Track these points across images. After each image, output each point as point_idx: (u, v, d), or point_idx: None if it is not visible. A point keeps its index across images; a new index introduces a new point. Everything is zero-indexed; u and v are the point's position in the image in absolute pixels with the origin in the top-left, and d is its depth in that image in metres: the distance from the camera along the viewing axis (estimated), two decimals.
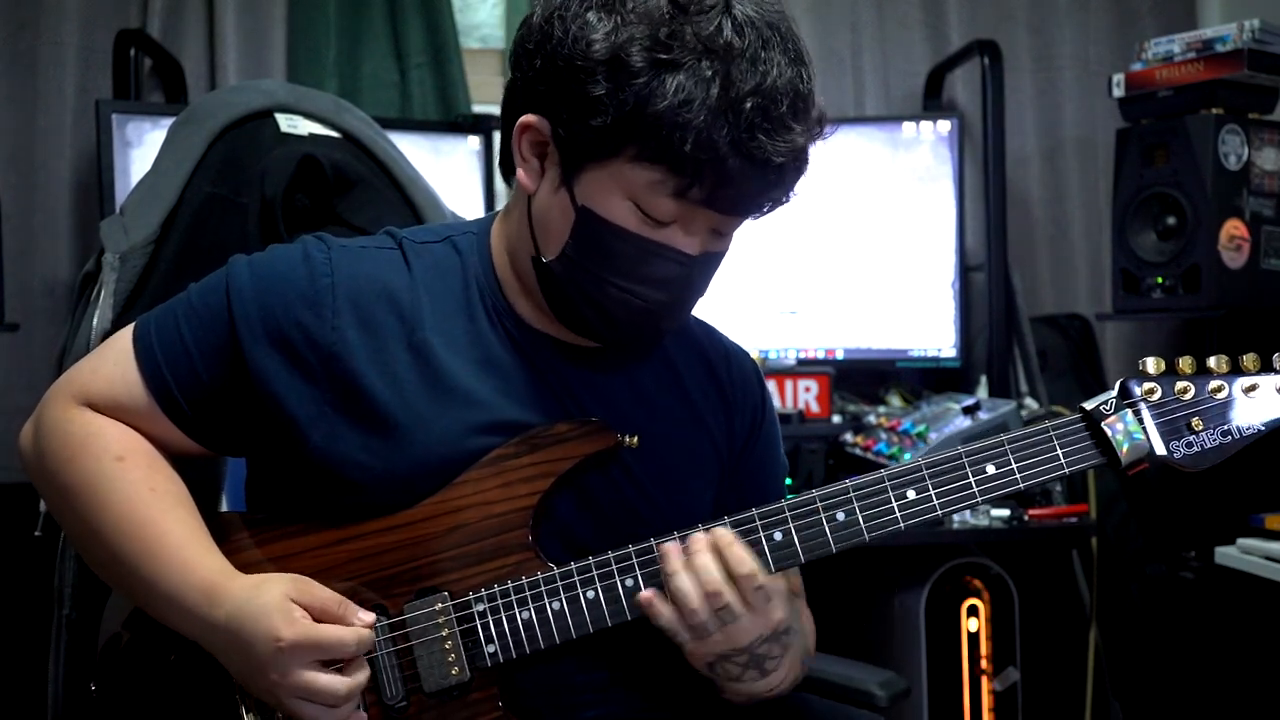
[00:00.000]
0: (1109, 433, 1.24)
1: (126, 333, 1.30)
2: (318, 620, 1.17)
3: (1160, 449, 1.24)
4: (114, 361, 1.29)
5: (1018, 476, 1.24)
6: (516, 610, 1.23)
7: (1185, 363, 1.27)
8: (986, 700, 2.49)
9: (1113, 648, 2.88)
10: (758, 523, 1.23)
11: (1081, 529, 2.51)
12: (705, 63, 1.12)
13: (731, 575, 1.18)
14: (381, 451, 1.23)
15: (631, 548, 1.24)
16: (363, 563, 1.25)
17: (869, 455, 2.51)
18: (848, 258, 2.83)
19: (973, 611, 2.49)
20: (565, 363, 1.30)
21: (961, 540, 2.50)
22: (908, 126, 2.85)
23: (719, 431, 1.38)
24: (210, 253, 1.59)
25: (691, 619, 1.18)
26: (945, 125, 2.84)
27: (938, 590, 2.48)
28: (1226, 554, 2.34)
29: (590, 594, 1.23)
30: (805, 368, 2.77)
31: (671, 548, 1.21)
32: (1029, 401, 2.73)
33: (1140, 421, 1.25)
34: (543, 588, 1.23)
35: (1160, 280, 2.57)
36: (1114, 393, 1.26)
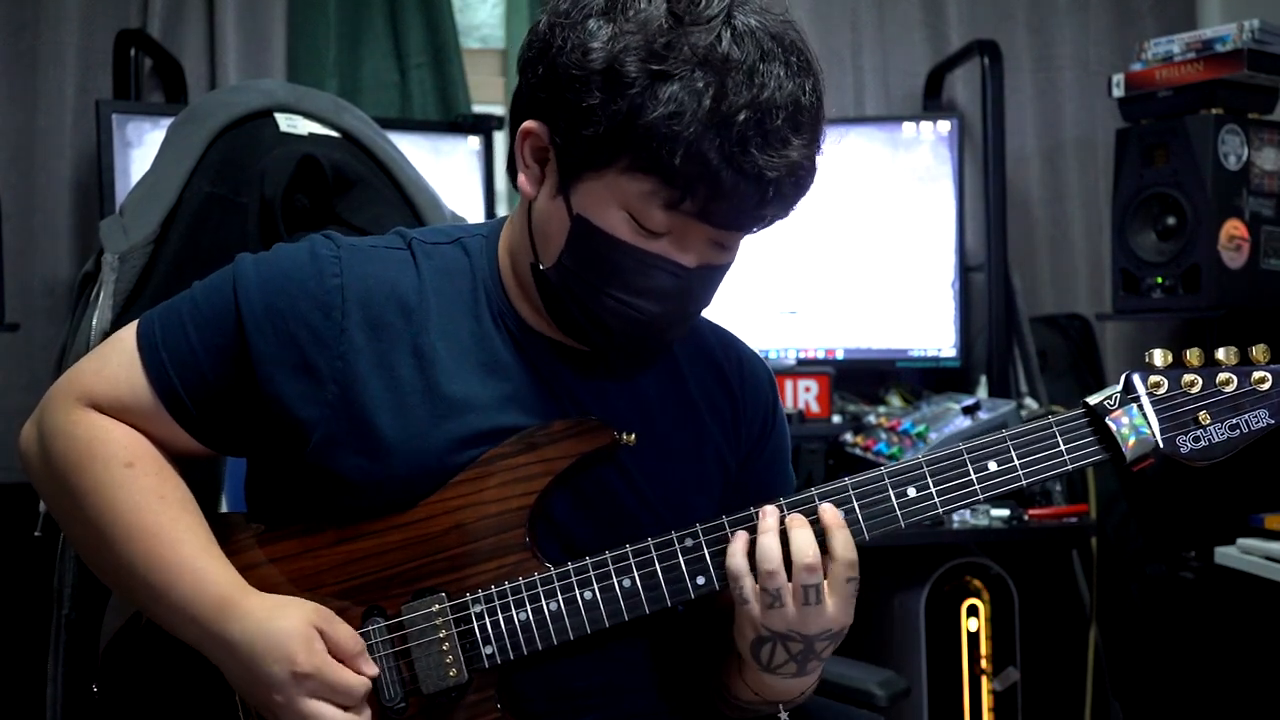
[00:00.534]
0: (1113, 427, 1.21)
1: (129, 332, 1.29)
2: (333, 654, 1.18)
3: (1166, 443, 1.22)
4: (118, 362, 1.28)
5: (1020, 473, 1.23)
6: (514, 611, 1.23)
7: (1193, 355, 1.24)
8: (986, 700, 2.49)
9: (1113, 648, 2.88)
10: (756, 522, 1.22)
11: (1081, 529, 2.51)
12: (700, 74, 1.11)
13: (832, 557, 1.18)
14: (379, 456, 1.23)
15: (629, 548, 1.23)
16: (360, 564, 1.25)
17: (869, 455, 2.51)
18: (848, 258, 2.83)
19: (973, 611, 2.49)
20: (568, 367, 1.30)
21: (961, 540, 2.50)
22: (908, 126, 2.85)
23: (724, 438, 1.37)
24: (210, 253, 1.59)
25: (768, 582, 1.17)
26: (945, 125, 2.84)
27: (938, 590, 2.48)
28: (1226, 554, 2.34)
29: (588, 595, 1.23)
30: (805, 368, 2.77)
31: (770, 509, 1.21)
32: (1029, 401, 2.73)
33: (1145, 415, 1.22)
34: (540, 589, 1.23)
35: (1160, 280, 2.57)
36: (1118, 387, 1.24)
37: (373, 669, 1.20)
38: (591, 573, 1.23)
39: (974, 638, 2.49)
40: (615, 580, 1.23)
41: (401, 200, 1.76)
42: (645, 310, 1.21)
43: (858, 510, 1.23)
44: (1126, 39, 3.11)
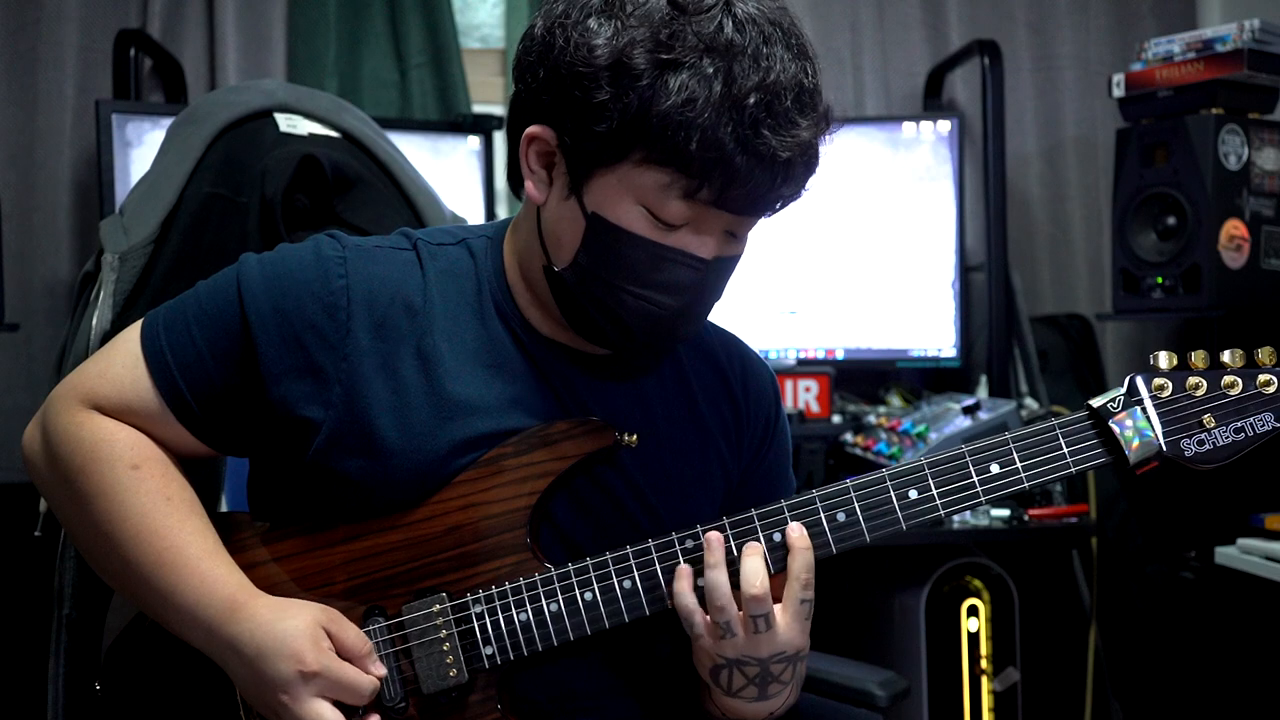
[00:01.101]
0: (1117, 430, 1.21)
1: (133, 334, 1.29)
2: (341, 655, 1.18)
3: (1170, 446, 1.21)
4: (122, 364, 1.27)
5: (1022, 476, 1.22)
6: (514, 611, 1.23)
7: (1198, 357, 1.23)
8: (986, 700, 2.49)
9: (1113, 648, 2.88)
10: (756, 524, 1.23)
11: (1081, 529, 2.51)
12: (707, 61, 1.12)
13: (792, 577, 1.18)
14: (382, 456, 1.23)
15: (630, 549, 1.23)
16: (362, 563, 1.25)
17: (869, 455, 2.51)
18: (848, 258, 2.83)
19: (973, 611, 2.49)
20: (573, 369, 1.30)
21: (961, 540, 2.50)
22: (908, 126, 2.85)
23: (726, 441, 1.37)
24: (210, 253, 1.59)
25: (718, 616, 1.18)
26: (945, 125, 2.84)
27: (938, 590, 2.48)
28: (1226, 554, 2.34)
29: (588, 595, 1.23)
30: (805, 368, 2.77)
31: (716, 538, 1.20)
32: (1029, 401, 2.73)
33: (1149, 418, 1.21)
34: (540, 589, 1.23)
35: (1160, 280, 2.57)
36: (1122, 389, 1.23)
37: (381, 669, 1.20)
38: (592, 574, 1.23)
39: (974, 638, 2.49)
40: (616, 581, 1.23)
41: (402, 200, 1.76)
42: (665, 305, 1.21)
43: (859, 512, 1.23)
44: (1126, 39, 3.11)
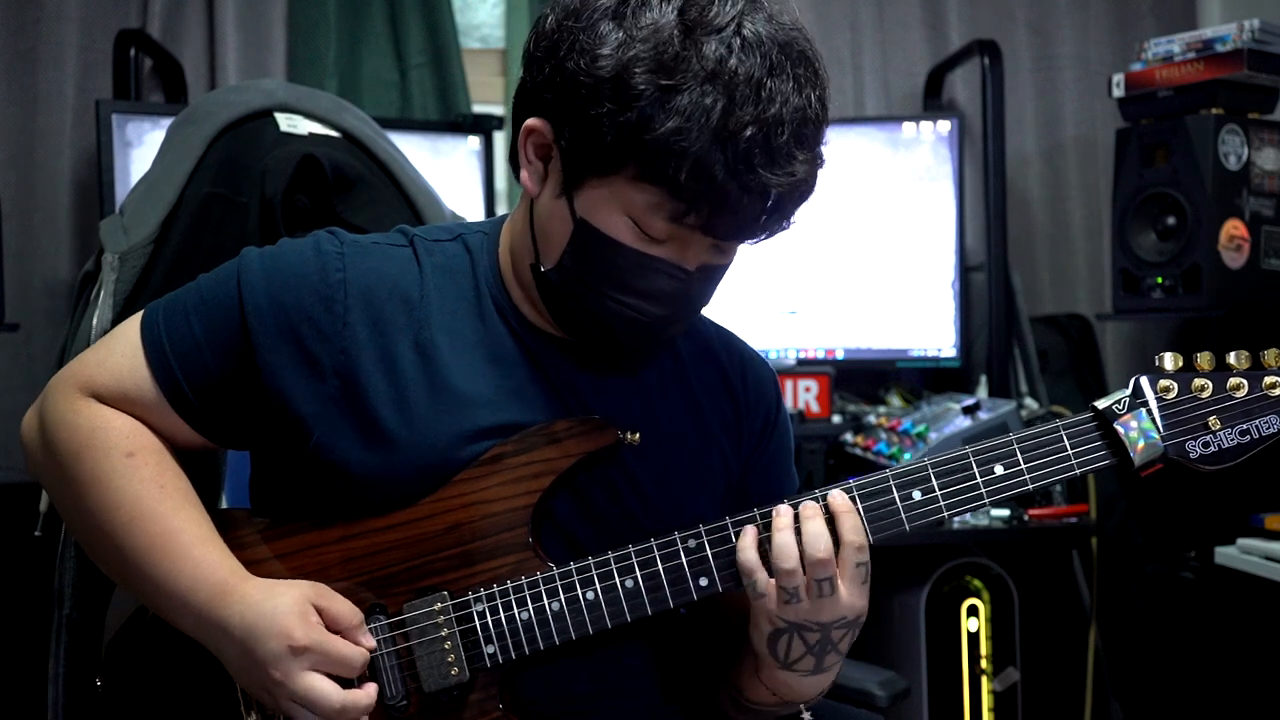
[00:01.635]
0: (1122, 431, 1.20)
1: (134, 324, 1.29)
2: (330, 629, 1.18)
3: (1176, 448, 1.21)
4: (121, 353, 1.28)
5: (1026, 477, 1.22)
6: (516, 610, 1.23)
7: (1203, 359, 1.22)
8: (986, 700, 2.49)
9: (1113, 648, 2.88)
10: (758, 524, 1.22)
11: (1081, 529, 2.51)
12: (708, 89, 1.11)
13: (839, 541, 1.18)
14: (381, 450, 1.23)
15: (632, 548, 1.23)
16: (362, 561, 1.25)
17: (869, 455, 2.51)
18: (848, 258, 2.83)
19: (973, 611, 2.49)
20: (571, 364, 1.30)
21: (961, 540, 2.50)
22: (908, 126, 2.85)
23: (727, 438, 1.37)
24: (210, 253, 1.59)
25: (788, 580, 1.17)
26: (945, 125, 2.84)
27: (938, 590, 2.48)
28: (1226, 554, 2.34)
29: (590, 594, 1.23)
30: (805, 368, 2.77)
31: (784, 507, 1.20)
32: (1029, 401, 2.73)
33: (1154, 420, 1.21)
34: (542, 588, 1.23)
35: (1160, 280, 2.57)
36: (1127, 391, 1.22)
37: (370, 641, 1.20)
38: (594, 572, 1.23)
39: (974, 638, 2.49)
40: (618, 580, 1.23)
41: (402, 200, 1.76)
42: (647, 312, 1.22)
43: (862, 512, 1.22)
44: (1126, 39, 3.11)
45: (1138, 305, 2.64)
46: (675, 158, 1.11)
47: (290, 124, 1.70)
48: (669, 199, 1.14)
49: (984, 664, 2.49)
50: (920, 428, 2.47)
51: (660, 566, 1.23)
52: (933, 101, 3.06)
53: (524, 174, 1.24)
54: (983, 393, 2.74)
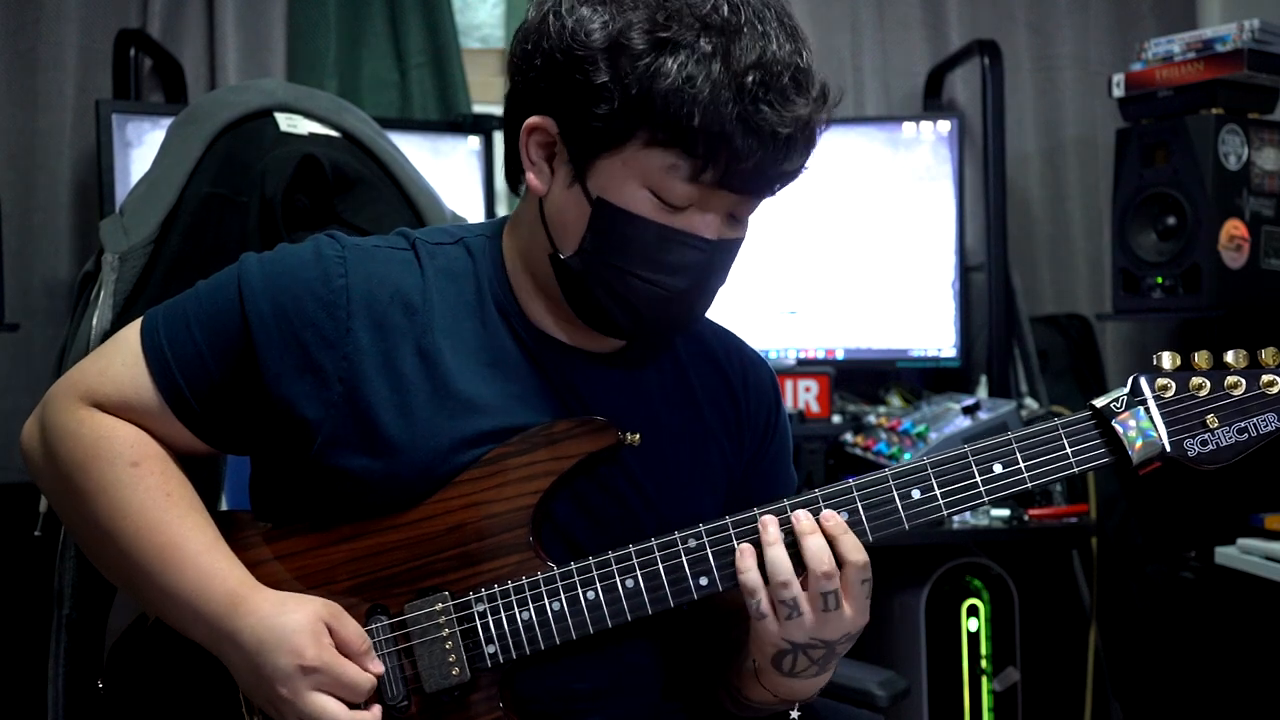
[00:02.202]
0: (1120, 430, 1.21)
1: (133, 331, 1.29)
2: (341, 651, 1.18)
3: (1174, 447, 1.21)
4: (121, 361, 1.28)
5: (1025, 476, 1.22)
6: (516, 610, 1.23)
7: (1201, 357, 1.23)
8: (986, 700, 2.49)
9: (1113, 648, 2.88)
10: (759, 533, 1.22)
11: (1081, 529, 2.51)
12: (705, 39, 1.13)
13: (841, 562, 1.18)
14: (384, 455, 1.23)
15: (632, 548, 1.23)
16: (364, 562, 1.25)
17: (869, 455, 2.51)
18: (848, 258, 2.83)
19: (973, 611, 2.49)
20: (572, 366, 1.30)
21: (961, 540, 2.50)
22: (908, 126, 2.85)
23: (727, 439, 1.37)
24: (210, 253, 1.59)
25: (782, 593, 1.17)
26: (945, 125, 2.84)
27: (938, 590, 2.48)
28: (1226, 554, 2.34)
29: (590, 594, 1.23)
30: (805, 368, 2.77)
31: (770, 519, 1.20)
32: (1029, 401, 2.73)
33: (1152, 418, 1.21)
34: (543, 588, 1.23)
35: (1160, 280, 2.57)
36: (1125, 389, 1.23)
37: (378, 667, 1.21)
38: (595, 572, 1.23)
39: (974, 638, 2.49)
40: (618, 580, 1.23)
41: (402, 200, 1.76)
42: (672, 287, 1.22)
43: (862, 512, 1.22)
44: (1126, 39, 3.11)
45: (1138, 305, 2.64)
46: (685, 108, 1.12)
47: (290, 124, 1.70)
48: (683, 158, 1.15)
49: (984, 664, 2.49)
50: (920, 428, 2.47)
51: (660, 566, 1.23)
52: (933, 101, 3.06)
53: (529, 176, 1.24)
54: (983, 393, 2.74)
